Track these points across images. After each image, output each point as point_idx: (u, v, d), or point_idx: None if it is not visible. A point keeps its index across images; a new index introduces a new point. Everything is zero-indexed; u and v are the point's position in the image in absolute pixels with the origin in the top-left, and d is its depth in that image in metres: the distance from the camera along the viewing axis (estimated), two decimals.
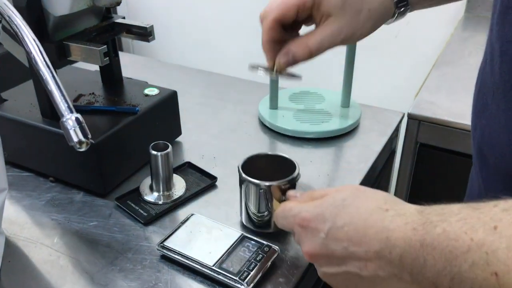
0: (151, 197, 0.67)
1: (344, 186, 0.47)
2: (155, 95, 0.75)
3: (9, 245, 0.61)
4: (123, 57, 0.81)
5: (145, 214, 0.64)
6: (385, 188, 0.97)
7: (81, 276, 0.56)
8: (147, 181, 0.69)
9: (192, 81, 1.03)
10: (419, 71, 1.20)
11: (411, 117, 0.89)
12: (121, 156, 0.69)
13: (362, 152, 0.78)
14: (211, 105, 0.93)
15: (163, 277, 0.55)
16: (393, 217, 0.40)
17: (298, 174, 0.59)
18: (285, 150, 0.79)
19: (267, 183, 0.57)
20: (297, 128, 0.81)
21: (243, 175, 0.58)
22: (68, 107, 0.43)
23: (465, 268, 0.33)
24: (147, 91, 0.76)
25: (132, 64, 1.09)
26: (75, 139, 0.43)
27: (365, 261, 0.41)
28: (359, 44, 0.80)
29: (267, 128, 0.85)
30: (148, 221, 0.63)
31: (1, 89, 0.76)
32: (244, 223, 0.62)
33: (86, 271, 0.57)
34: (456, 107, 0.89)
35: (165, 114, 0.76)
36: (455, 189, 0.93)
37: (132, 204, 0.66)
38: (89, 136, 0.45)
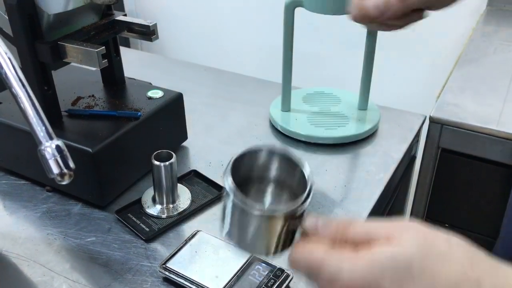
0: (153, 210, 0.62)
1: (403, 232, 0.32)
2: (159, 97, 0.70)
3: (0, 261, 0.57)
4: (130, 54, 0.76)
5: (147, 229, 0.60)
6: (404, 196, 0.92)
7: None
8: (150, 192, 0.64)
9: (200, 79, 0.97)
10: (439, 69, 1.14)
11: (433, 120, 0.83)
12: (121, 164, 0.65)
13: (382, 160, 0.73)
14: (220, 106, 0.88)
15: None
16: None
17: (311, 189, 0.38)
18: (298, 155, 0.74)
19: (275, 210, 0.36)
20: (311, 133, 0.76)
21: (235, 193, 0.36)
22: (47, 132, 0.38)
23: None
24: (150, 93, 0.71)
25: (138, 61, 1.04)
26: (55, 171, 0.38)
27: None
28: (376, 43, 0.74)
29: (279, 132, 0.79)
30: (150, 238, 0.58)
31: None
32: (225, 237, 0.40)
33: None
34: (482, 110, 0.83)
35: (169, 118, 0.71)
36: (479, 199, 0.88)
37: (133, 218, 0.61)
38: (72, 166, 0.38)
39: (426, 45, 1.31)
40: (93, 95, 0.71)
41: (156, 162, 0.59)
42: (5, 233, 0.60)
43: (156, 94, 0.71)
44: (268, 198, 0.42)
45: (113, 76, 0.73)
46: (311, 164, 0.73)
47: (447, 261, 0.30)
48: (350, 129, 0.76)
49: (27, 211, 0.64)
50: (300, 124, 0.78)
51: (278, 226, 0.36)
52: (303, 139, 0.76)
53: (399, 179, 0.78)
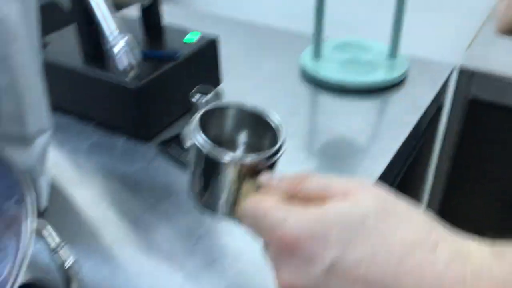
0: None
1: (359, 188, 0.30)
2: (196, 42, 0.74)
3: (53, 187, 0.62)
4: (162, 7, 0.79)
5: (187, 160, 0.64)
6: (429, 149, 0.94)
7: (124, 218, 0.56)
8: (189, 127, 0.68)
9: (232, 31, 1.00)
10: (471, 22, 1.13)
11: (462, 70, 0.84)
12: (162, 101, 0.68)
13: (410, 105, 0.75)
14: (252, 56, 0.91)
15: (206, 221, 0.55)
16: (450, 264, 0.26)
17: (282, 144, 0.36)
18: (328, 101, 0.77)
19: (234, 156, 0.35)
20: (341, 79, 0.78)
21: (199, 136, 0.35)
22: (112, 30, 0.41)
23: None
24: (187, 38, 0.74)
25: (171, 14, 1.07)
26: (125, 63, 0.42)
27: None
28: None
29: (309, 79, 0.82)
30: None
31: (44, 34, 0.75)
32: (188, 195, 0.41)
33: (128, 213, 0.57)
34: None
35: (205, 61, 0.74)
36: (508, 149, 0.89)
37: (174, 150, 0.66)
38: (136, 60, 0.42)
39: None
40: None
41: (196, 96, 0.63)
42: (55, 162, 0.65)
43: (193, 38, 0.74)
44: (238, 152, 0.40)
45: (152, 22, 0.76)
46: (342, 109, 0.76)
47: (404, 223, 0.28)
48: (379, 76, 0.78)
49: (75, 144, 0.69)
50: (330, 71, 0.80)
51: (245, 176, 0.35)
52: (333, 85, 0.79)
53: (425, 126, 0.80)
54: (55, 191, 0.61)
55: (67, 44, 0.72)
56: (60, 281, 0.43)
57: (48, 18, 0.81)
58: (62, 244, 0.47)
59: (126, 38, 0.42)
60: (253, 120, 0.40)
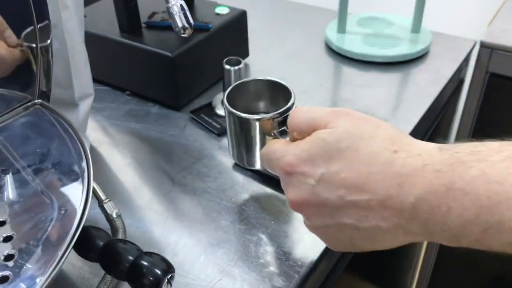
0: (223, 111, 0.70)
1: (337, 117, 0.38)
2: (226, 14, 0.76)
3: (93, 150, 0.66)
4: None
5: (218, 126, 0.67)
6: (450, 119, 0.96)
7: (162, 177, 0.60)
8: (219, 96, 0.72)
9: (258, 6, 1.03)
10: (496, 1, 1.14)
11: (483, 45, 0.86)
12: (194, 71, 0.72)
13: (432, 77, 0.77)
14: (277, 30, 0.93)
15: (239, 180, 0.59)
16: (406, 159, 0.33)
17: (293, 104, 0.47)
18: (352, 73, 0.79)
19: (252, 117, 0.46)
20: (365, 52, 0.81)
21: (228, 106, 0.47)
22: None
23: (508, 217, 0.28)
24: (218, 10, 0.77)
25: None
26: (180, 25, 0.45)
27: (366, 211, 0.35)
28: None
29: (333, 52, 0.85)
30: (221, 132, 0.66)
31: None
32: (233, 158, 0.53)
33: (166, 173, 0.61)
34: None
35: (235, 32, 0.77)
36: None
37: (206, 117, 0.69)
38: (192, 23, 0.47)
39: None
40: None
41: (227, 66, 0.66)
42: (95, 126, 0.69)
43: (222, 10, 0.77)
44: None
45: None
46: (365, 80, 0.79)
47: (371, 139, 0.35)
48: (402, 49, 0.81)
49: (111, 111, 0.73)
50: (354, 43, 0.83)
51: (266, 130, 0.46)
52: (357, 57, 0.81)
53: (447, 97, 0.82)
54: (94, 153, 0.65)
55: (103, 16, 0.76)
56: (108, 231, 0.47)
57: None
58: (108, 198, 0.51)
59: (182, 1, 0.45)
60: (269, 88, 0.51)
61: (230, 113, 0.47)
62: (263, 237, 0.51)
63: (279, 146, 0.41)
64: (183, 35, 0.46)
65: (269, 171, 0.44)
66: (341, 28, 0.86)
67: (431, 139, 0.81)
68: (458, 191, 0.30)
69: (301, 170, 0.38)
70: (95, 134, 0.68)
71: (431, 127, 0.79)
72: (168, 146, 0.65)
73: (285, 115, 0.45)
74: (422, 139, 0.73)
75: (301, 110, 0.41)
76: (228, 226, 0.53)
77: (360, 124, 0.37)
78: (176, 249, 0.51)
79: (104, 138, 0.67)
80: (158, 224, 0.54)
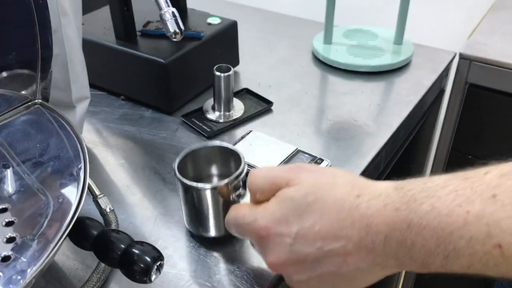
0: (213, 115, 0.73)
1: (297, 173, 0.41)
2: (217, 24, 0.80)
3: (88, 151, 0.68)
4: None
5: (208, 129, 0.71)
6: (432, 127, 1.00)
7: (153, 176, 0.63)
8: (210, 102, 0.75)
9: (249, 18, 1.07)
10: (475, 14, 1.19)
11: (462, 57, 0.90)
12: (186, 77, 0.75)
13: (412, 86, 0.81)
14: (267, 40, 0.97)
15: None
16: (369, 202, 0.36)
17: (245, 165, 0.49)
18: (336, 82, 0.83)
19: (205, 186, 0.47)
20: (349, 62, 0.85)
21: (179, 176, 0.48)
22: (166, 1, 0.49)
23: (462, 245, 0.31)
24: (210, 20, 0.81)
25: (192, 2, 1.14)
26: (171, 30, 0.49)
27: (344, 257, 0.37)
28: None
29: (320, 62, 0.89)
30: (211, 135, 0.70)
31: None
32: (187, 226, 0.54)
33: (158, 173, 0.64)
34: (509, 48, 0.90)
35: (226, 41, 0.81)
36: (504, 131, 0.95)
37: (196, 121, 0.73)
38: (183, 28, 0.51)
39: None
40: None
41: (217, 73, 0.70)
42: (90, 128, 0.73)
43: (214, 21, 0.81)
44: (214, 181, 0.54)
45: (177, 5, 0.83)
46: (349, 89, 0.83)
47: (333, 188, 0.38)
48: (385, 59, 0.85)
49: (106, 114, 0.76)
50: (339, 54, 0.87)
51: (223, 196, 0.48)
52: (342, 67, 0.85)
53: (428, 106, 0.86)
54: (88, 154, 0.67)
55: (100, 24, 0.80)
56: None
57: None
58: (102, 194, 0.54)
59: (174, 9, 0.49)
60: (219, 153, 0.53)
61: (182, 183, 0.48)
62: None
63: (247, 211, 0.43)
64: (174, 39, 0.50)
65: (236, 235, 0.46)
66: (328, 39, 0.90)
67: (413, 144, 0.85)
68: (417, 226, 0.33)
69: (276, 232, 0.39)
70: (90, 136, 0.71)
71: (412, 134, 0.83)
72: (160, 147, 0.68)
73: (240, 178, 0.48)
74: (402, 144, 0.76)
75: (260, 172, 0.43)
76: None
77: (319, 176, 0.40)
78: (166, 243, 0.54)
79: (98, 140, 0.71)
80: (150, 219, 0.57)
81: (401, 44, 0.89)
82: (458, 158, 1.01)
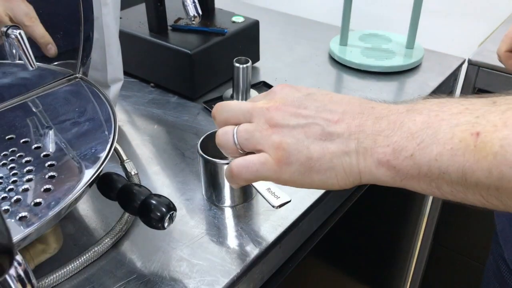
0: None
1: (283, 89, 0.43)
2: (241, 22, 0.88)
3: (118, 128, 0.77)
4: None
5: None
6: None
7: (174, 151, 0.71)
8: (229, 91, 0.83)
9: (272, 20, 1.15)
10: (488, 25, 1.24)
11: (471, 63, 0.96)
12: (209, 68, 0.83)
13: (419, 86, 0.87)
14: (287, 41, 1.05)
15: None
16: (378, 104, 0.38)
17: None
18: (349, 80, 0.90)
19: (221, 161, 0.57)
20: (362, 62, 0.91)
21: (200, 151, 0.58)
22: None
23: (443, 129, 0.31)
24: (234, 18, 0.89)
25: (219, 4, 1.22)
26: (191, 13, 0.57)
27: (338, 119, 0.37)
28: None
29: (335, 62, 0.95)
30: None
31: None
32: (204, 196, 0.62)
33: (178, 148, 0.72)
34: None
35: (248, 38, 0.89)
36: None
37: None
38: (200, 13, 0.59)
39: (484, 10, 1.40)
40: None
41: (237, 64, 0.77)
42: (120, 110, 0.81)
43: (238, 19, 0.89)
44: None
45: (206, 4, 0.92)
46: (360, 86, 0.89)
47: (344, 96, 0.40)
48: (395, 61, 0.91)
49: (137, 98, 0.85)
50: (354, 55, 0.94)
51: None
52: (355, 67, 0.92)
53: None
54: (119, 131, 0.76)
55: (136, 18, 0.89)
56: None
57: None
58: (128, 159, 0.62)
59: None
60: None
61: (202, 157, 0.57)
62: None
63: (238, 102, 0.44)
64: (192, 22, 0.58)
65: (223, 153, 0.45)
66: (343, 41, 0.96)
67: None
68: (415, 111, 0.34)
69: (288, 90, 0.42)
70: (121, 116, 0.80)
71: None
72: (182, 128, 0.76)
73: None
74: None
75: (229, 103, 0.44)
76: None
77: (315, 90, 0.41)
78: (181, 204, 0.61)
79: (128, 119, 0.79)
80: (168, 186, 0.64)
81: (413, 48, 0.95)
82: None
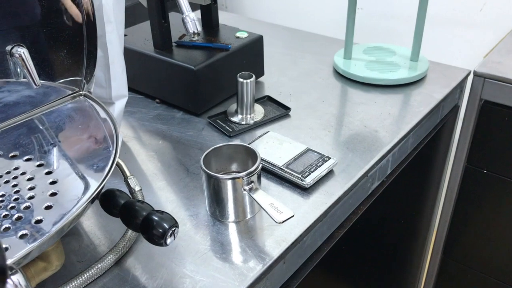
0: (235, 118, 0.81)
1: None
2: (245, 37, 0.89)
3: (122, 143, 0.78)
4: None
5: (230, 130, 0.79)
6: (447, 142, 1.05)
7: (179, 167, 0.71)
8: (234, 106, 0.83)
9: (277, 35, 1.15)
10: (494, 36, 1.23)
11: (476, 74, 0.95)
12: (214, 84, 0.84)
13: (424, 99, 0.87)
14: (292, 55, 1.05)
15: None
16: None
17: (259, 164, 0.59)
18: (353, 93, 0.90)
19: (224, 177, 0.57)
20: (367, 75, 0.91)
21: (203, 168, 0.58)
22: (187, 7, 0.58)
23: None
24: (238, 34, 0.90)
25: (224, 20, 1.24)
26: (191, 30, 0.58)
27: None
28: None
29: (339, 75, 0.95)
30: (233, 135, 0.77)
31: None
32: (208, 212, 0.62)
33: (183, 164, 0.72)
34: None
35: (252, 54, 0.89)
36: None
37: (220, 122, 0.81)
38: (200, 29, 0.60)
39: (491, 23, 1.40)
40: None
41: (240, 79, 0.78)
42: (127, 125, 0.82)
43: (242, 34, 0.90)
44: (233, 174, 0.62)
45: (210, 20, 0.92)
46: (365, 99, 0.89)
47: None
48: (399, 74, 0.91)
49: (142, 114, 0.85)
50: (358, 68, 0.94)
51: (238, 187, 0.57)
52: (360, 80, 0.92)
53: (440, 119, 0.91)
54: (122, 146, 0.77)
55: (141, 35, 0.90)
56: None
57: (132, 17, 0.99)
58: (132, 175, 0.62)
59: (193, 13, 0.58)
60: (239, 151, 0.63)
61: (205, 173, 0.58)
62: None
63: None
64: (193, 39, 0.59)
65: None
66: (347, 55, 0.97)
67: (430, 159, 0.90)
68: None
69: None
70: (126, 131, 0.80)
71: (422, 144, 0.87)
72: (187, 143, 0.77)
73: (254, 174, 0.57)
74: (411, 153, 0.81)
75: None
76: None
77: None
78: (185, 220, 0.61)
79: (133, 135, 0.79)
80: (172, 202, 0.64)
81: (417, 60, 0.95)
82: (473, 172, 1.04)
